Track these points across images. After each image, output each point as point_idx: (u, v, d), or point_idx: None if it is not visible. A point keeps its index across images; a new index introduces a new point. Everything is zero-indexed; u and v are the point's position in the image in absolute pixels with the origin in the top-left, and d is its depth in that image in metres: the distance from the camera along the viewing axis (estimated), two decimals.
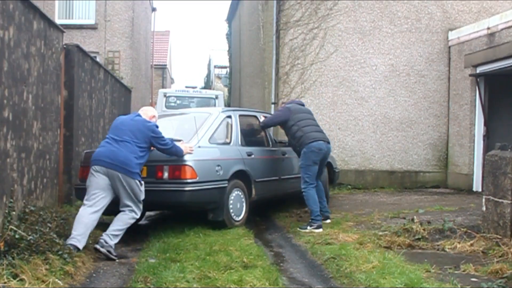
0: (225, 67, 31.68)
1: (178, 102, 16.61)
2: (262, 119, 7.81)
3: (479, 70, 10.23)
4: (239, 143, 7.03)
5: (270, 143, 7.83)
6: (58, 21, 11.97)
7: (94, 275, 4.68)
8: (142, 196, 5.44)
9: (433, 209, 7.50)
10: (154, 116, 5.78)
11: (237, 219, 6.59)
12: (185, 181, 5.96)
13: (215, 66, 36.02)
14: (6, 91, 4.72)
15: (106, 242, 5.16)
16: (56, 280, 4.11)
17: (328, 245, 5.67)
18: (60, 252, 4.54)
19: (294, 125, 7.02)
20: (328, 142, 7.07)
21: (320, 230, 6.53)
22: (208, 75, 37.31)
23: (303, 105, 7.54)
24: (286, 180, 7.84)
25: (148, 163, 5.84)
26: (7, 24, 4.74)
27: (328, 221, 7.01)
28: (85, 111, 8.14)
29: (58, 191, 6.83)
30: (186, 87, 28.95)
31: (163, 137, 5.64)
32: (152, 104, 21.60)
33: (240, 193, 6.68)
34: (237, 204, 6.62)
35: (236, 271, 4.52)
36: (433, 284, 4.18)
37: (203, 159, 6.22)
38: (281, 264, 5.20)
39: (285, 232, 6.74)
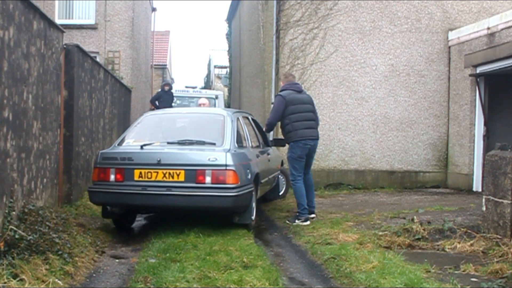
0: (225, 67, 31.67)
1: (178, 102, 16.63)
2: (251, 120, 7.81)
3: (479, 70, 10.23)
4: (250, 145, 7.04)
5: (261, 143, 7.88)
6: (58, 21, 11.97)
7: (94, 275, 4.68)
8: None
9: (433, 209, 7.50)
10: None
11: (252, 218, 6.59)
12: (230, 186, 5.84)
13: (215, 66, 36.01)
14: (6, 91, 4.72)
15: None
16: (56, 280, 4.10)
17: (328, 245, 5.67)
18: (60, 252, 4.54)
19: (285, 118, 6.93)
20: (317, 138, 7.16)
21: (307, 223, 6.78)
22: (208, 75, 37.30)
23: (301, 91, 7.20)
24: (270, 179, 7.92)
25: (187, 166, 5.84)
26: (7, 24, 4.74)
27: (313, 215, 7.14)
28: (85, 111, 8.13)
29: (58, 191, 6.82)
30: (186, 87, 28.87)
31: None
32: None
33: (254, 194, 6.67)
34: (252, 204, 6.62)
35: (236, 271, 4.52)
36: (433, 284, 4.18)
37: (240, 163, 6.09)
38: (281, 264, 5.20)
39: (285, 232, 6.73)
